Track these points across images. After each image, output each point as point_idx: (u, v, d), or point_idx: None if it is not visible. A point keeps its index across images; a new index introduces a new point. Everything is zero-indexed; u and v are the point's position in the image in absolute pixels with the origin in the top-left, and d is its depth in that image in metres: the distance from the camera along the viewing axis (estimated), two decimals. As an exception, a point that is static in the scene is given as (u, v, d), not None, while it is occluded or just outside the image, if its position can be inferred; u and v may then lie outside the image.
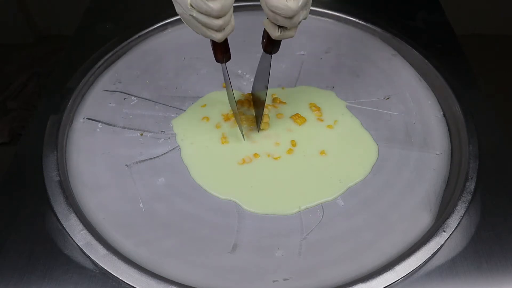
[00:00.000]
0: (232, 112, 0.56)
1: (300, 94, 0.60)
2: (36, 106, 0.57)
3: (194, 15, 0.40)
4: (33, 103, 1.32)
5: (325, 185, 0.49)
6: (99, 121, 0.56)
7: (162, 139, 0.54)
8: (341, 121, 0.56)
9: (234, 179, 0.50)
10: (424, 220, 0.46)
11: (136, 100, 0.59)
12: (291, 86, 0.61)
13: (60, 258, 0.42)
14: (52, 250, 0.43)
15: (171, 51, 0.66)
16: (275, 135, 0.55)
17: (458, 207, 0.45)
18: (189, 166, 0.51)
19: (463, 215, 0.44)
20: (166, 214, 0.47)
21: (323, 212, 0.47)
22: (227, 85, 0.51)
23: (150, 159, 0.52)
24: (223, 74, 0.50)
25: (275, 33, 0.43)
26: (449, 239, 0.43)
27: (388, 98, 0.59)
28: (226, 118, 0.56)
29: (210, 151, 0.53)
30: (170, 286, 0.39)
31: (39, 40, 1.54)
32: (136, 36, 0.67)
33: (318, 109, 0.57)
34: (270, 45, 0.47)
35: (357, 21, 0.69)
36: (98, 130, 0.55)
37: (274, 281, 0.41)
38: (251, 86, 0.59)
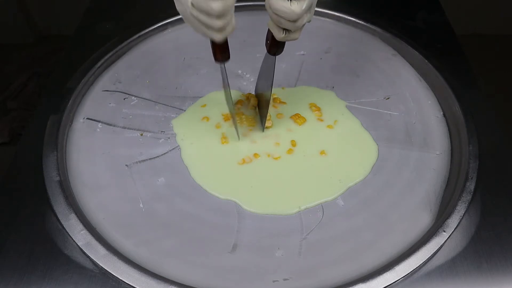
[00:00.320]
0: (230, 118, 0.56)
1: (300, 94, 0.60)
2: (36, 106, 0.57)
3: (195, 14, 0.39)
4: (33, 103, 1.32)
5: (325, 185, 0.49)
6: (99, 121, 0.56)
7: (162, 139, 0.54)
8: (341, 121, 0.56)
9: (234, 179, 0.50)
10: (424, 220, 0.46)
11: (136, 100, 0.59)
12: (291, 86, 0.61)
13: (60, 258, 0.42)
14: (52, 250, 0.43)
15: (171, 51, 0.66)
16: (275, 135, 0.55)
17: (458, 207, 0.45)
18: (189, 166, 0.51)
19: (463, 215, 0.44)
20: (166, 214, 0.47)
21: (323, 212, 0.47)
22: (225, 85, 0.51)
23: (150, 159, 0.52)
24: (221, 74, 0.50)
25: (279, 35, 0.43)
26: (449, 239, 0.43)
27: (388, 98, 0.59)
28: (226, 118, 0.56)
29: (210, 151, 0.53)
30: (170, 286, 0.39)
31: (39, 40, 1.54)
32: (136, 36, 0.67)
33: (318, 109, 0.57)
34: (274, 46, 0.47)
35: (357, 21, 0.69)
36: (98, 130, 0.55)
37: (274, 281, 0.41)
38: (252, 86, 0.59)
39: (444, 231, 0.43)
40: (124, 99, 0.59)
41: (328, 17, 0.71)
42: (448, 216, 0.44)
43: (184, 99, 0.59)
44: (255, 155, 0.52)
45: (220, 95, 0.59)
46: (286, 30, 0.42)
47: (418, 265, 0.41)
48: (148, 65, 0.64)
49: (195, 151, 0.53)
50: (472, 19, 1.43)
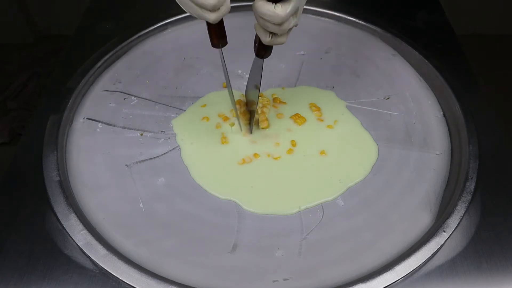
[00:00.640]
0: (232, 110, 0.56)
1: (300, 94, 0.60)
2: (36, 106, 0.57)
3: None
4: (33, 103, 1.32)
5: (325, 185, 0.49)
6: (99, 121, 0.56)
7: (162, 139, 0.54)
8: (341, 121, 0.56)
9: (234, 179, 0.50)
10: (424, 220, 0.46)
11: (136, 100, 0.59)
12: (291, 86, 0.61)
13: (60, 258, 0.42)
14: (52, 250, 0.43)
15: (171, 51, 0.66)
16: (275, 135, 0.55)
17: (458, 207, 0.45)
18: (189, 166, 0.51)
19: (463, 215, 0.44)
20: (166, 214, 0.47)
21: (323, 212, 0.47)
22: (224, 72, 0.50)
23: (150, 159, 0.52)
24: (221, 60, 0.49)
25: (265, 39, 0.43)
26: (449, 239, 0.43)
27: (388, 98, 0.59)
28: (225, 119, 0.56)
29: (210, 151, 0.53)
30: (170, 286, 0.39)
31: (39, 40, 1.55)
32: (136, 36, 0.67)
33: (318, 109, 0.57)
34: (262, 50, 0.46)
35: (357, 21, 0.69)
36: (98, 130, 0.55)
37: (274, 281, 0.41)
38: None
39: (444, 231, 0.43)
40: (124, 99, 0.59)
41: (328, 17, 0.71)
42: (448, 216, 0.44)
43: (184, 99, 0.59)
44: (255, 155, 0.52)
45: (220, 95, 0.59)
46: (272, 33, 0.42)
47: (418, 265, 0.41)
48: (148, 65, 0.64)
49: (195, 151, 0.53)
50: (472, 19, 1.43)
